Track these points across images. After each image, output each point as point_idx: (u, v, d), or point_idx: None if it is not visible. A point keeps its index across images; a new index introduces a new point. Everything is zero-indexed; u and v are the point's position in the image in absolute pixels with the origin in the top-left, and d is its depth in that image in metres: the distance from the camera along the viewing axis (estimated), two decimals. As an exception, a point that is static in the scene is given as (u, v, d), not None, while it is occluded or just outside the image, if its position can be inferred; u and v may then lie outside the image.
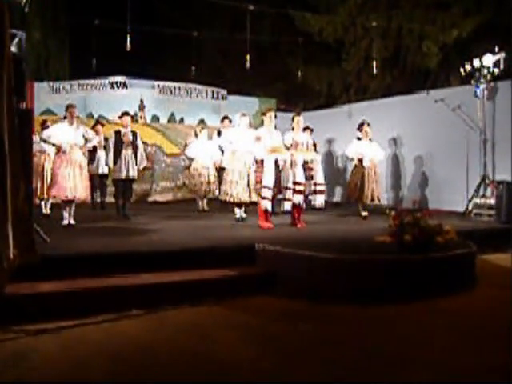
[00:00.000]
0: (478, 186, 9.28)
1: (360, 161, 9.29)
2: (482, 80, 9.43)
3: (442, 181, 10.36)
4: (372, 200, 9.23)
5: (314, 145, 9.92)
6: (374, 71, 13.09)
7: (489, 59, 9.34)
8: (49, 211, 8.94)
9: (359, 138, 9.36)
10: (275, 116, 8.07)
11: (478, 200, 9.15)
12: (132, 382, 3.19)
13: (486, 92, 9.47)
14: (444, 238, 5.43)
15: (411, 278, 5.11)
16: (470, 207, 9.24)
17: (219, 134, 10.13)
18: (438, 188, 10.48)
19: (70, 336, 3.94)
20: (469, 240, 6.08)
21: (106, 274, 4.88)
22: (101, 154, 9.92)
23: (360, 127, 9.40)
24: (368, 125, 9.33)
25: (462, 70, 9.79)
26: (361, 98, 14.57)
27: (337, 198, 13.15)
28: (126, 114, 8.90)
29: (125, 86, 12.80)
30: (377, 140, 9.62)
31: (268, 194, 7.51)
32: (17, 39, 5.28)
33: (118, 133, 8.66)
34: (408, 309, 4.72)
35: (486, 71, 9.37)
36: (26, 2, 5.78)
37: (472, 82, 9.61)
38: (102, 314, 4.35)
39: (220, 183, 8.94)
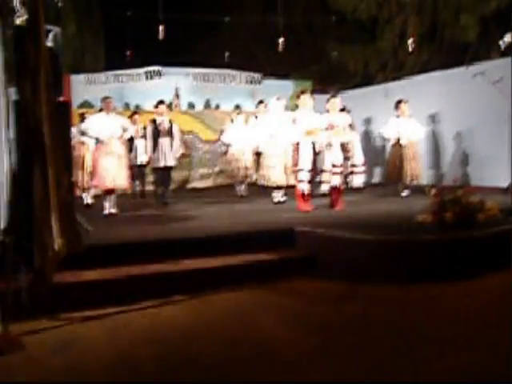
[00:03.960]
0: (521, 161, 9.03)
1: (398, 140, 9.17)
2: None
3: (484, 156, 10.11)
4: (412, 179, 9.11)
5: (351, 125, 9.84)
6: (410, 48, 12.80)
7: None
8: (91, 201, 9.12)
9: (398, 116, 9.23)
10: (312, 98, 8.00)
11: (521, 175, 8.90)
12: (175, 367, 3.24)
13: (526, 63, 9.16)
14: (486, 214, 5.33)
15: (453, 257, 5.02)
16: (514, 183, 8.99)
17: (256, 118, 10.12)
18: (480, 164, 10.23)
19: (116, 323, 4.03)
20: (512, 216, 5.94)
21: (149, 261, 4.96)
22: (139, 143, 10.04)
23: (397, 105, 9.26)
24: (405, 102, 9.18)
25: (501, 42, 9.49)
26: (398, 75, 14.29)
27: (376, 179, 13.00)
28: (161, 102, 8.97)
29: (159, 74, 12.87)
30: (415, 117, 9.45)
31: (305, 176, 7.49)
32: (52, 34, 5.37)
33: (154, 122, 8.75)
34: (450, 288, 4.64)
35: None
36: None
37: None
38: (146, 301, 4.43)
39: (257, 167, 8.95)
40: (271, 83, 13.69)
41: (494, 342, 3.39)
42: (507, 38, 9.24)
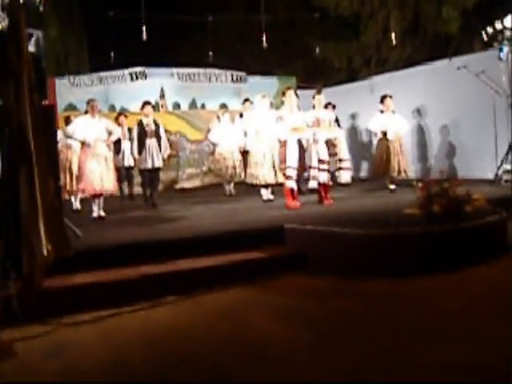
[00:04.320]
0: (507, 152, 9.09)
1: (384, 134, 9.21)
2: (505, 42, 9.18)
3: (470, 148, 10.17)
4: (399, 173, 9.15)
5: (337, 121, 9.87)
6: (394, 42, 12.86)
7: (510, 20, 9.09)
8: (79, 205, 9.07)
9: (382, 111, 9.28)
10: (296, 95, 8.03)
11: (507, 166, 8.96)
12: (170, 367, 3.24)
13: (510, 55, 9.22)
14: (473, 206, 5.36)
15: (441, 250, 5.05)
16: (500, 173, 9.06)
17: (241, 116, 10.13)
18: (466, 156, 10.30)
19: (108, 326, 4.02)
20: (499, 207, 5.98)
21: (139, 263, 4.95)
22: (125, 145, 9.99)
23: (382, 100, 9.30)
24: (390, 97, 9.22)
25: (483, 33, 9.55)
26: (382, 70, 14.35)
27: (363, 174, 13.05)
28: (147, 103, 8.95)
29: (144, 75, 12.82)
30: (401, 112, 9.50)
31: (293, 173, 7.51)
32: (34, 38, 5.33)
33: (140, 123, 8.73)
34: (440, 280, 4.67)
35: (508, 33, 9.13)
36: (41, 1, 5.82)
37: (494, 45, 9.36)
38: (138, 303, 4.41)
39: (245, 166, 8.96)
40: (256, 81, 13.69)
41: (486, 334, 3.42)
42: (489, 29, 9.29)
